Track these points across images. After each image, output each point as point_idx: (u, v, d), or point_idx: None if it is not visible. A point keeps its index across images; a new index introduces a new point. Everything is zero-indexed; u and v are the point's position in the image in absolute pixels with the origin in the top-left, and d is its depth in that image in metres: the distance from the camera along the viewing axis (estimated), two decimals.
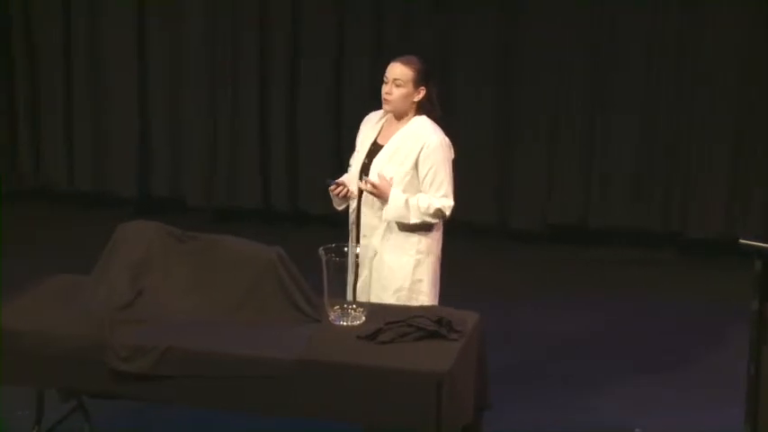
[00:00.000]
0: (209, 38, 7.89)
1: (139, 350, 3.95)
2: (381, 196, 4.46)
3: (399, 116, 4.55)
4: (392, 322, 4.04)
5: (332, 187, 4.53)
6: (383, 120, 4.62)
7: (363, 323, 4.12)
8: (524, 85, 7.56)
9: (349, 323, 4.14)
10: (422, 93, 4.52)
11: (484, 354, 4.24)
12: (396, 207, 4.44)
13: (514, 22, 7.51)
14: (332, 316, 4.16)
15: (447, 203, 4.49)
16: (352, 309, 4.18)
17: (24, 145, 8.29)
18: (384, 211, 4.47)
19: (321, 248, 4.37)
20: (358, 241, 4.56)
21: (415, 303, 4.43)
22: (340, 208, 4.63)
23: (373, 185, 4.45)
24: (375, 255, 4.36)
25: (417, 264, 4.51)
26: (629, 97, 7.45)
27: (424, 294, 4.54)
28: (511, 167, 7.70)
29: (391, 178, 4.47)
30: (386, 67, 4.57)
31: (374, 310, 4.18)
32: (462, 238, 7.65)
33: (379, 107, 4.65)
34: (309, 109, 7.78)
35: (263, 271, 4.17)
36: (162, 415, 4.87)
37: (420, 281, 4.53)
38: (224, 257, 4.24)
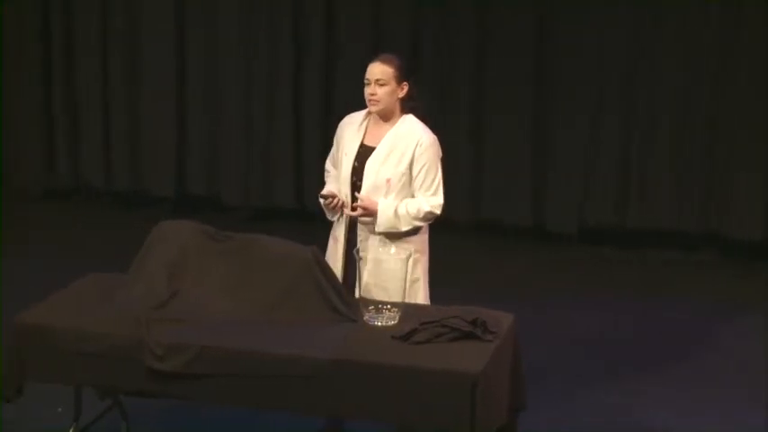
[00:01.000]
0: (245, 37, 7.93)
1: (175, 349, 3.97)
2: (371, 214, 4.48)
3: (386, 116, 4.55)
4: (427, 323, 4.04)
5: (327, 201, 4.52)
6: (366, 121, 4.61)
7: (398, 323, 4.12)
8: (561, 85, 7.54)
9: (384, 323, 4.14)
10: (405, 89, 4.53)
11: (519, 355, 4.23)
12: (386, 219, 4.47)
13: (551, 22, 7.49)
14: (367, 316, 4.17)
15: (436, 203, 4.53)
16: (386, 309, 4.18)
17: (62, 144, 8.37)
18: (376, 225, 4.49)
19: (356, 248, 4.39)
20: (347, 248, 4.55)
21: (412, 302, 4.41)
22: (334, 218, 4.63)
23: (363, 208, 4.47)
24: (411, 256, 4.35)
25: (414, 263, 4.51)
26: (667, 97, 7.41)
27: (422, 292, 4.55)
28: (547, 168, 7.68)
29: (389, 180, 4.48)
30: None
31: (409, 310, 4.19)
32: (497, 238, 7.70)
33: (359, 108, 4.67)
34: (344, 109, 7.76)
35: (299, 271, 4.18)
36: (198, 414, 4.90)
37: (417, 280, 4.54)
38: (260, 257, 4.26)
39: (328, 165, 4.76)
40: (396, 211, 4.48)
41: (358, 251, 4.37)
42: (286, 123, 7.92)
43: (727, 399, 5.34)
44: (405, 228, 4.50)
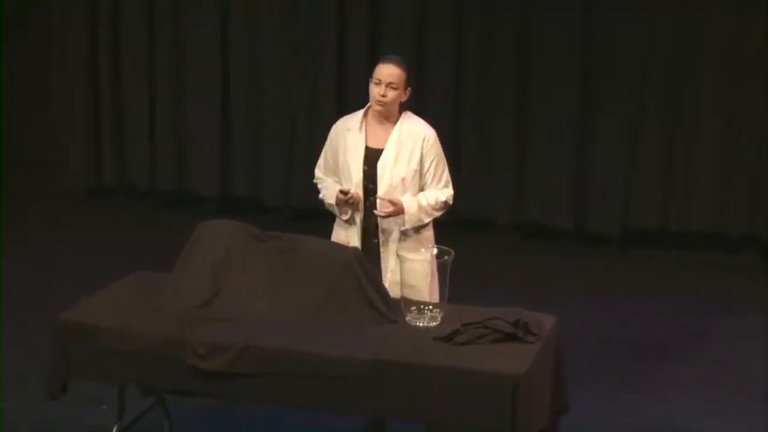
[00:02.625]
0: (289, 39, 7.96)
1: (218, 348, 3.99)
2: (400, 212, 4.48)
3: (388, 116, 4.57)
4: (468, 324, 4.03)
5: (348, 196, 4.48)
6: (364, 123, 4.61)
7: (439, 324, 4.12)
8: (603, 87, 7.49)
9: (425, 324, 4.13)
10: (408, 93, 4.57)
11: (561, 357, 4.21)
12: (413, 214, 4.51)
13: (593, 23, 7.45)
14: (408, 317, 4.16)
15: (450, 193, 4.60)
16: (428, 309, 4.17)
17: (108, 145, 8.45)
18: (405, 222, 4.50)
19: (398, 249, 4.38)
20: (364, 245, 4.54)
21: (433, 299, 4.38)
22: (346, 217, 4.61)
23: (394, 204, 4.45)
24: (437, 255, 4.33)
25: (431, 258, 4.50)
26: (711, 97, 7.34)
27: (436, 287, 4.49)
28: (589, 170, 7.63)
29: (403, 180, 4.49)
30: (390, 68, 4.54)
31: (450, 311, 4.18)
32: (540, 241, 7.67)
33: (345, 111, 4.72)
34: None
35: (341, 271, 4.19)
36: (240, 413, 4.92)
37: (433, 275, 4.51)
38: (302, 257, 4.27)
39: (319, 173, 4.73)
40: (419, 204, 4.51)
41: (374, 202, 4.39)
42: (329, 125, 7.91)
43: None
44: (427, 219, 4.56)
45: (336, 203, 4.57)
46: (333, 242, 4.59)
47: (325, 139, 4.79)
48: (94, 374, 4.20)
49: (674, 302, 6.64)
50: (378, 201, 4.49)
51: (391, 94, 4.50)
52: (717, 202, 7.43)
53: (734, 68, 7.28)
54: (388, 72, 4.50)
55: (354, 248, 4.36)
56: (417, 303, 4.19)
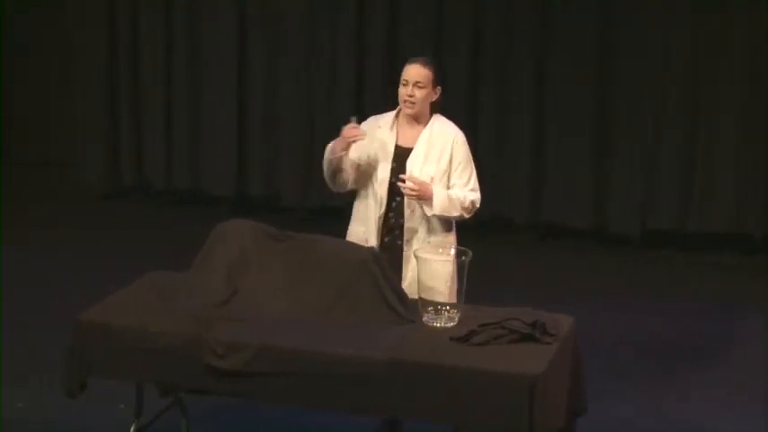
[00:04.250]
0: (307, 38, 7.96)
1: (235, 347, 4.00)
2: (424, 195, 4.45)
3: (418, 118, 4.57)
4: (486, 324, 4.03)
5: (353, 124, 4.45)
6: (396, 123, 4.61)
7: (456, 324, 4.12)
8: (623, 87, 7.46)
9: (442, 324, 4.13)
10: (438, 92, 4.56)
11: (579, 358, 4.20)
12: (441, 201, 4.47)
13: (612, 21, 7.42)
14: (425, 317, 4.16)
15: (477, 196, 4.57)
16: (445, 310, 4.17)
17: (125, 144, 8.47)
18: (432, 207, 4.47)
19: (415, 249, 4.38)
20: (387, 243, 4.53)
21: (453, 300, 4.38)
22: (333, 155, 4.52)
23: (414, 183, 4.41)
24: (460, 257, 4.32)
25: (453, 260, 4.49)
26: (731, 98, 7.30)
27: (455, 291, 4.44)
28: (608, 170, 7.60)
29: (432, 179, 4.49)
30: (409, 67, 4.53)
31: (467, 311, 4.18)
32: (557, 241, 7.65)
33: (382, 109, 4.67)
34: None
35: (358, 271, 4.19)
36: (257, 412, 4.93)
37: (454, 277, 4.49)
38: (319, 257, 4.27)
39: (353, 153, 4.63)
40: (449, 195, 4.50)
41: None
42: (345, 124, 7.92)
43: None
44: (455, 213, 4.52)
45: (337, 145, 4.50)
46: (350, 242, 4.60)
47: None
48: (113, 373, 4.21)
49: (692, 303, 6.60)
50: (406, 179, 4.43)
51: (419, 93, 4.51)
52: (737, 203, 7.39)
53: (754, 68, 7.24)
54: (414, 72, 4.51)
55: (372, 248, 4.36)
56: (434, 304, 4.19)
